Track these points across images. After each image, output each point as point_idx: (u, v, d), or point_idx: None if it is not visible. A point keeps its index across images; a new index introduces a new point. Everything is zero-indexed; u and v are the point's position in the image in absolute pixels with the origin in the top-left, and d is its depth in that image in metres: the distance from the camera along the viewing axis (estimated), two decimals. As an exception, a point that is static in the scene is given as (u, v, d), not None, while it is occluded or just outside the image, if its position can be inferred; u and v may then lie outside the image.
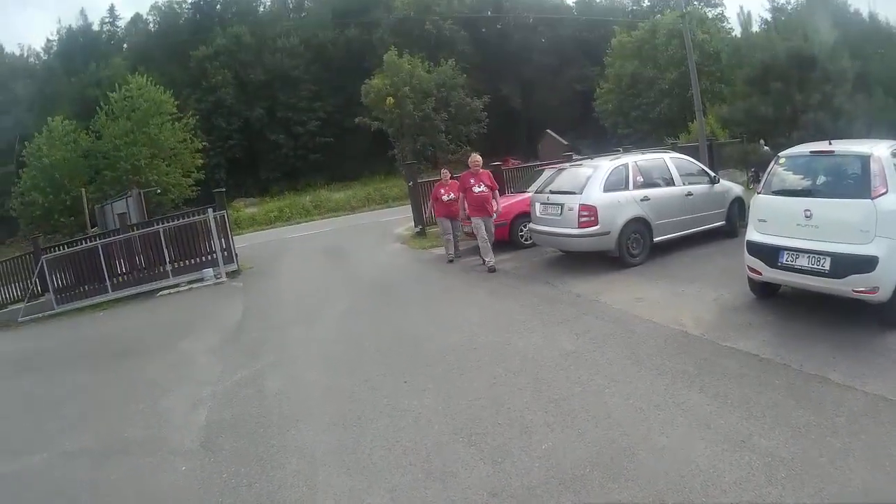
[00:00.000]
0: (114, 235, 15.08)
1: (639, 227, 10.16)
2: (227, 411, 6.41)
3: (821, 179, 6.59)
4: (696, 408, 5.18)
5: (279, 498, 4.70)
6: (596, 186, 10.13)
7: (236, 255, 15.08)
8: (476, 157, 12.01)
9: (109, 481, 5.22)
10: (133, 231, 14.95)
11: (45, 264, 13.97)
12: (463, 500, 4.38)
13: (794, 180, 6.86)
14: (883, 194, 5.79)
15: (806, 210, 6.26)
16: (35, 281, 14.36)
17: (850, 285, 5.77)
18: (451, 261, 12.69)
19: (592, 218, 9.87)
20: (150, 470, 5.34)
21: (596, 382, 5.92)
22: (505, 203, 12.77)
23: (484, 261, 11.49)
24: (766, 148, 14.57)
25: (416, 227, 17.31)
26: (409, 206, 18.39)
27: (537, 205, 11.27)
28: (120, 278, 14.22)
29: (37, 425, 6.71)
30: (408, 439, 5.33)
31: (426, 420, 5.65)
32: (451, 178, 13.29)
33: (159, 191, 31.98)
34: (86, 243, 14.88)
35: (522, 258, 12.26)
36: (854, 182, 6.09)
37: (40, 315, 13.52)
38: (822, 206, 6.21)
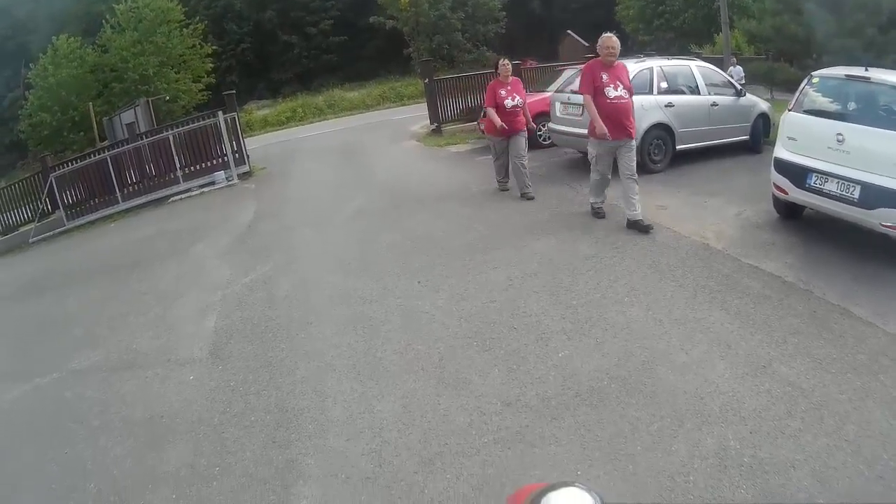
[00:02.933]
0: (123, 146, 14.76)
1: (661, 134, 9.77)
2: (236, 317, 6.26)
3: (854, 105, 6.19)
4: (717, 326, 4.92)
5: (288, 405, 4.57)
6: None
7: (248, 156, 14.73)
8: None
9: (118, 396, 5.11)
10: (142, 140, 14.59)
11: (53, 182, 13.72)
12: (476, 409, 4.21)
13: (827, 102, 6.47)
14: None
15: (838, 134, 5.85)
16: (45, 200, 14.14)
17: (879, 218, 5.43)
18: (504, 189, 9.67)
19: None
20: (159, 382, 5.23)
21: (615, 290, 5.67)
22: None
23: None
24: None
25: (431, 125, 16.78)
26: (425, 104, 17.77)
27: (557, 104, 10.83)
28: (130, 188, 13.97)
29: (47, 346, 6.61)
30: (420, 343, 5.16)
31: (440, 323, 5.45)
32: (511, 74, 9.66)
33: (168, 98, 31.36)
34: (94, 157, 14.56)
35: (541, 158, 11.72)
36: (890, 114, 5.72)
37: (51, 233, 13.35)
38: (855, 133, 5.81)
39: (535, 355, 4.77)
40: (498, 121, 8.89)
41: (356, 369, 4.91)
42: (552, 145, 12.04)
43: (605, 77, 7.18)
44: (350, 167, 13.92)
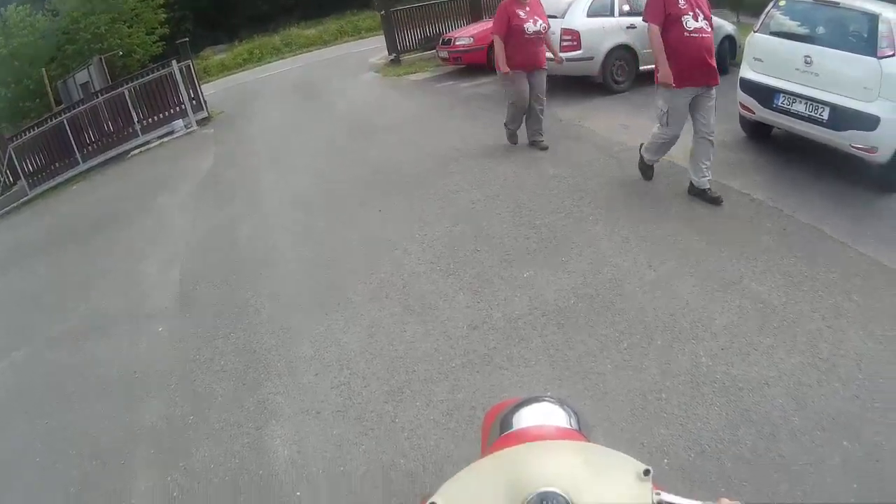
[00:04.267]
0: (78, 107, 14.16)
1: (624, 55, 9.53)
2: (200, 264, 6.12)
3: (822, 29, 5.95)
4: (685, 243, 4.82)
5: (255, 346, 4.48)
6: (579, 11, 9.46)
7: (205, 102, 14.24)
8: None
9: (92, 359, 4.94)
10: (97, 98, 14.01)
11: (12, 153, 13.12)
12: (442, 334, 4.15)
13: (794, 25, 6.24)
14: (889, 56, 5.21)
15: (806, 56, 5.71)
16: (5, 172, 13.54)
17: (849, 140, 5.32)
18: (515, 141, 7.67)
19: (575, 42, 9.28)
20: (129, 339, 5.06)
21: (580, 210, 5.54)
22: (484, 27, 11.69)
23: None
24: None
25: (389, 55, 16.31)
26: (383, 36, 17.18)
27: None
28: (89, 148, 13.42)
29: (19, 320, 6.31)
30: (384, 271, 5.06)
31: (402, 250, 5.34)
32: None
33: (122, 53, 30.25)
34: (51, 122, 13.89)
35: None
36: (859, 39, 5.51)
37: (16, 204, 12.77)
38: (823, 55, 5.65)
39: (499, 277, 4.68)
40: (503, 60, 6.88)
41: (321, 303, 4.80)
42: None
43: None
44: (309, 103, 13.50)
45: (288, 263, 5.61)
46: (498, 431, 1.31)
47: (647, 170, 5.94)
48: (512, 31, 6.85)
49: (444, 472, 3.11)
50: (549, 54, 7.26)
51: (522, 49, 6.90)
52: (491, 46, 8.79)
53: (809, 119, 5.64)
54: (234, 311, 5.03)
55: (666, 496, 0.89)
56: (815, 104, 5.56)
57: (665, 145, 5.64)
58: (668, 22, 5.14)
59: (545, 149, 7.23)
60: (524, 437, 1.21)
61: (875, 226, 4.83)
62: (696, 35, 5.11)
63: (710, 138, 5.35)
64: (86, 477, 3.66)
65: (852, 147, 5.33)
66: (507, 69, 6.89)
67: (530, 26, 6.84)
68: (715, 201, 5.36)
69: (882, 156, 5.15)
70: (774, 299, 4.04)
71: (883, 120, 5.08)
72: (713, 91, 5.29)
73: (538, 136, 7.39)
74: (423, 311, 4.45)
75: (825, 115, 5.47)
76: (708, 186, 5.45)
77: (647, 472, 0.90)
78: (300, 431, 3.58)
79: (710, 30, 5.21)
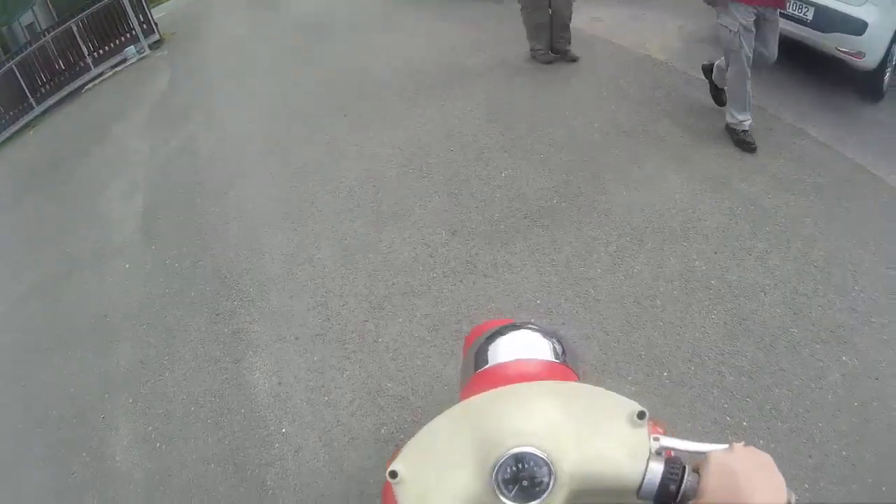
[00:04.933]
0: (25, 50, 13.21)
1: None
2: (162, 190, 5.65)
3: None
4: (668, 139, 4.40)
5: (226, 271, 4.13)
6: None
7: (156, 24, 13.22)
8: None
9: (63, 308, 4.56)
10: (44, 37, 13.11)
11: None
12: (420, 241, 3.80)
13: None
14: None
15: None
16: None
17: (834, 42, 4.76)
18: (549, 61, 5.92)
19: None
20: (97, 280, 4.66)
21: (558, 106, 5.04)
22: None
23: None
24: None
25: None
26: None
27: None
28: (42, 90, 12.56)
29: None
30: (353, 179, 4.65)
31: (370, 154, 4.91)
32: None
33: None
34: None
35: None
36: None
37: None
38: None
39: (476, 177, 4.28)
40: None
41: (290, 218, 4.43)
42: None
43: None
44: (266, 14, 12.32)
45: (253, 179, 5.16)
46: (472, 367, 1.14)
47: (719, 94, 4.63)
48: None
49: (435, 393, 2.86)
50: None
51: None
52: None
53: (792, 17, 5.05)
54: (201, 236, 4.63)
55: (667, 440, 0.75)
56: (799, 2, 5.00)
57: (743, 87, 4.16)
58: None
59: (574, 60, 5.78)
60: (500, 375, 1.05)
61: (859, 131, 4.37)
62: None
63: (772, 61, 4.24)
64: (68, 439, 3.38)
65: (838, 50, 4.81)
66: None
67: None
68: (749, 147, 4.16)
69: (869, 61, 4.66)
70: (765, 201, 3.72)
71: (871, 25, 4.58)
72: (775, 16, 4.12)
73: (566, 45, 5.85)
74: (397, 216, 4.08)
75: (810, 15, 4.94)
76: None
77: (641, 415, 0.76)
78: (280, 361, 3.29)
79: None
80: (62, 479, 3.16)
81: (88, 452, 3.24)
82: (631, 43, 6.09)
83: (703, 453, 0.73)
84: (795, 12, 5.01)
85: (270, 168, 5.24)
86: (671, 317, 3.03)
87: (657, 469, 0.72)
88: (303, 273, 3.86)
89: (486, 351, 1.12)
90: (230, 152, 5.88)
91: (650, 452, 0.74)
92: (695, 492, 0.70)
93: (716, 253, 3.37)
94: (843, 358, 2.73)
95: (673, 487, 0.71)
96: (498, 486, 0.71)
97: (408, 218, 4.05)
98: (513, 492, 0.71)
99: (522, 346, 1.11)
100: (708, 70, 4.62)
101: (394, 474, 0.74)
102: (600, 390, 0.81)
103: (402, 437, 2.69)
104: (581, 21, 6.42)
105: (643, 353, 2.88)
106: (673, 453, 0.77)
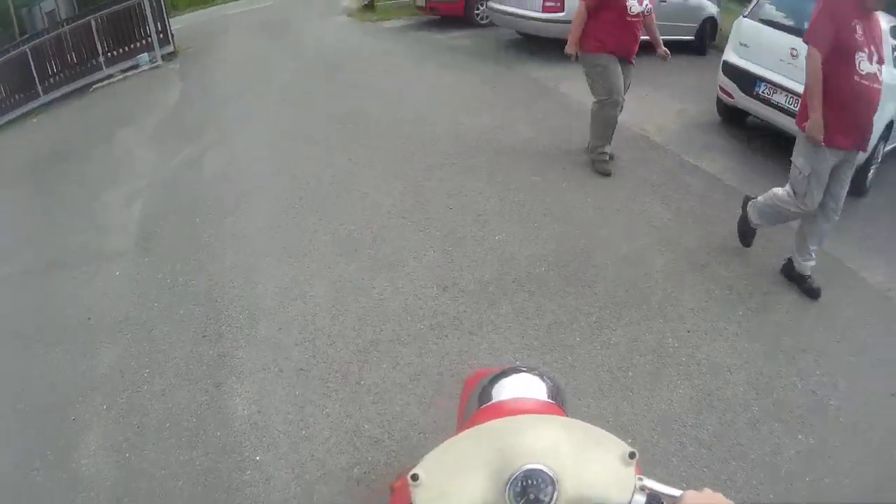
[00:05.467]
0: (42, 36, 13.06)
1: None
2: (162, 203, 5.63)
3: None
4: (658, 220, 4.65)
5: (217, 295, 4.12)
6: None
7: (173, 35, 13.33)
8: None
9: (49, 300, 4.48)
10: (63, 27, 12.94)
11: None
12: (411, 294, 3.88)
13: (783, 15, 5.96)
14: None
15: (793, 49, 5.35)
16: None
17: None
18: (607, 170, 5.38)
19: (559, 4, 8.73)
20: (86, 280, 4.61)
21: (553, 176, 5.25)
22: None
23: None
24: None
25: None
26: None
27: None
28: (51, 80, 12.40)
29: None
30: (353, 223, 4.72)
31: (372, 202, 5.00)
32: None
33: (91, -22, 28.60)
34: (12, 51, 12.76)
35: (478, 37, 10.90)
36: None
37: None
38: None
39: (471, 237, 4.42)
40: (575, 38, 5.07)
41: (287, 252, 4.46)
42: (490, 24, 11.10)
43: (859, 31, 3.48)
44: (279, 42, 12.71)
45: (254, 206, 5.20)
46: (476, 403, 1.24)
47: (747, 233, 4.27)
48: (608, 5, 4.94)
49: (410, 439, 2.90)
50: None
51: (620, 31, 4.99)
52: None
53: (789, 112, 5.36)
54: (196, 255, 4.63)
55: (648, 482, 0.85)
56: (796, 97, 5.24)
57: (790, 216, 4.01)
58: (834, 54, 3.45)
59: (608, 174, 5.30)
60: (504, 409, 1.15)
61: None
62: (868, 83, 3.50)
63: (836, 217, 3.90)
64: (34, 433, 3.31)
65: None
66: (576, 46, 5.10)
67: (635, 5, 4.96)
68: (812, 293, 3.92)
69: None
70: (741, 287, 3.94)
71: None
72: (856, 158, 3.86)
73: (606, 151, 5.41)
74: (392, 267, 4.16)
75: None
76: (810, 273, 3.98)
77: (632, 455, 0.86)
78: (262, 390, 3.29)
79: (881, 76, 3.59)
80: (21, 474, 3.07)
81: (55, 450, 3.17)
82: (630, 122, 6.34)
83: (678, 496, 0.84)
84: (792, 106, 5.28)
85: (273, 198, 5.30)
86: (640, 387, 3.17)
87: (640, 501, 0.83)
88: (294, 308, 3.89)
89: (491, 390, 1.22)
90: (234, 176, 5.92)
91: (635, 487, 0.84)
92: None
93: (689, 332, 3.55)
94: (800, 436, 2.92)
95: None
96: (510, 498, 0.80)
97: (402, 268, 4.13)
98: (521, 503, 0.81)
99: (524, 386, 1.22)
100: (746, 203, 4.28)
101: (415, 477, 0.82)
102: (598, 429, 0.91)
103: (373, 477, 2.72)
104: (585, 94, 6.63)
105: (611, 419, 2.99)
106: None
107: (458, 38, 10.89)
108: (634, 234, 4.48)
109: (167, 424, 3.20)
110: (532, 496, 0.80)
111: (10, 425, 3.40)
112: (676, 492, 0.84)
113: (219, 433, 3.09)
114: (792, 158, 3.74)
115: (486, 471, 0.83)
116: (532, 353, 3.38)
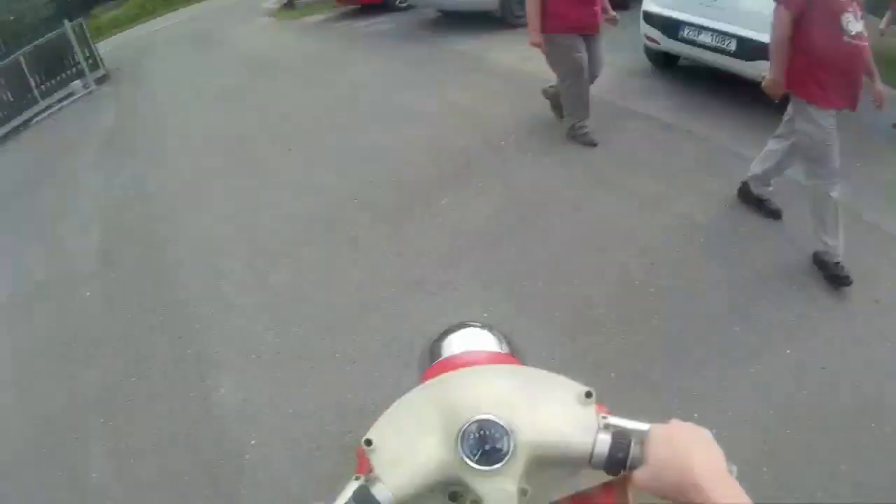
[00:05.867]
0: None
1: None
2: (117, 220, 5.58)
3: None
4: (601, 164, 4.67)
5: (186, 295, 4.17)
6: None
7: (101, 60, 13.12)
8: None
9: (26, 335, 4.43)
10: None
11: None
12: (368, 266, 3.98)
13: None
14: None
15: None
16: None
17: (760, 70, 4.48)
18: (595, 143, 5.07)
19: None
20: (57, 307, 4.56)
21: (495, 138, 5.28)
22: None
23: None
24: None
25: None
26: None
27: None
28: None
29: None
30: (303, 209, 4.77)
31: (320, 186, 5.06)
32: None
33: (12, 18, 27.58)
34: None
35: (400, 20, 10.78)
36: None
37: None
38: None
39: (420, 205, 4.48)
40: (537, 23, 4.71)
41: (245, 246, 4.52)
42: (409, 7, 11.03)
43: None
44: (205, 52, 12.51)
45: (204, 209, 5.18)
46: (428, 361, 1.16)
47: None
48: None
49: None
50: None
51: (575, 4, 4.63)
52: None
53: (716, 49, 5.23)
54: (158, 263, 4.63)
55: (613, 419, 0.80)
56: (721, 35, 5.15)
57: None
58: (816, 13, 3.26)
59: (594, 144, 5.02)
60: (454, 364, 1.07)
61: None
62: (858, 42, 3.28)
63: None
64: (45, 461, 3.30)
65: (763, 77, 4.96)
66: (541, 35, 4.77)
67: None
68: (843, 281, 3.36)
69: None
70: (698, 215, 3.95)
71: None
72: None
73: (581, 127, 5.09)
74: (348, 245, 4.20)
75: (733, 46, 5.09)
76: (841, 257, 3.39)
77: (588, 395, 0.80)
78: (244, 378, 3.33)
79: (866, 35, 3.35)
80: (39, 500, 3.11)
81: (65, 472, 3.19)
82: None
83: (647, 430, 0.78)
84: (718, 44, 5.17)
85: (223, 195, 5.33)
86: (613, 322, 3.27)
87: (605, 440, 0.77)
88: (260, 296, 3.94)
89: (440, 346, 1.15)
90: (182, 183, 5.88)
91: (598, 426, 0.78)
92: (640, 460, 0.75)
93: (652, 264, 3.62)
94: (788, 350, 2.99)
95: (621, 455, 0.76)
96: (463, 450, 0.76)
97: (357, 244, 4.21)
98: (477, 455, 0.76)
99: (473, 340, 1.15)
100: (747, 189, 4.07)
101: (369, 442, 0.78)
102: (548, 373, 0.85)
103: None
104: (512, 60, 6.75)
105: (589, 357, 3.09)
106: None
107: (380, 23, 10.72)
108: (579, 180, 4.53)
109: (162, 426, 3.22)
110: (487, 447, 0.76)
111: (23, 462, 3.38)
112: (644, 426, 0.78)
113: (212, 425, 3.12)
114: (797, 128, 3.52)
115: (436, 428, 0.79)
116: (497, 305, 3.47)
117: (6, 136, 11.39)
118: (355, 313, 3.60)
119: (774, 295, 3.29)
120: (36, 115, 11.79)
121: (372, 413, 0.72)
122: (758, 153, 3.90)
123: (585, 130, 5.00)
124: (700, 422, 0.68)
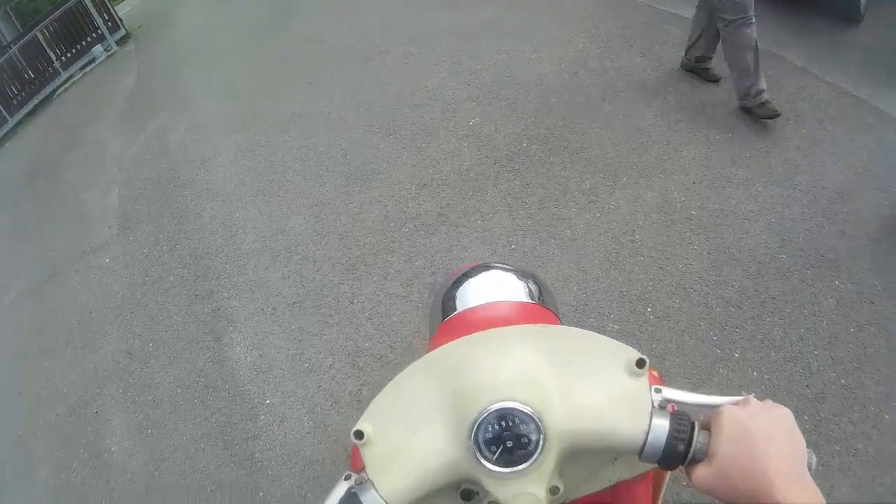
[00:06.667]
0: None
1: None
2: (137, 182, 5.37)
3: None
4: (639, 73, 4.07)
5: (201, 251, 3.94)
6: None
7: (121, 20, 12.87)
8: None
9: (50, 311, 4.33)
10: (11, 49, 12.48)
11: None
12: (388, 195, 3.60)
13: None
14: None
15: None
16: None
17: None
18: (775, 110, 3.43)
19: None
20: (79, 278, 4.44)
21: (520, 49, 4.73)
22: None
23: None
24: None
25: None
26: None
27: None
28: (14, 101, 11.93)
29: None
30: (322, 146, 4.40)
31: (338, 118, 4.67)
32: None
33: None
34: None
35: None
36: None
37: None
38: None
39: (444, 128, 4.04)
40: None
41: (261, 192, 4.21)
42: None
43: None
44: (229, 3, 11.87)
45: (223, 158, 4.91)
46: (439, 316, 0.94)
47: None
48: None
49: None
50: None
51: None
52: None
53: None
54: (176, 220, 4.41)
55: (670, 392, 0.59)
56: None
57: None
58: None
59: (777, 114, 3.45)
60: (470, 321, 0.87)
61: (840, 56, 3.88)
62: None
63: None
64: (66, 437, 3.21)
65: None
66: None
67: None
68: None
69: None
70: (743, 128, 3.42)
71: None
72: None
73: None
74: (366, 179, 3.85)
75: None
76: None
77: (641, 363, 0.59)
78: (259, 333, 3.10)
79: None
80: (63, 477, 3.00)
81: (85, 448, 3.08)
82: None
83: (713, 407, 0.58)
84: None
85: (240, 145, 4.97)
86: (650, 250, 2.83)
87: (662, 426, 0.57)
88: (276, 243, 3.65)
89: (454, 297, 0.93)
90: (199, 136, 5.59)
91: (652, 406, 0.58)
92: (705, 454, 0.55)
93: (695, 183, 3.14)
94: (836, 283, 2.53)
95: (681, 448, 0.56)
96: (479, 448, 0.57)
97: (376, 177, 3.83)
98: (496, 454, 0.57)
99: (493, 288, 0.93)
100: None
101: (359, 435, 0.60)
102: (589, 333, 0.64)
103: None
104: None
105: (624, 289, 2.68)
106: (677, 407, 0.61)
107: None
108: (616, 92, 3.99)
109: (179, 391, 3.06)
110: (510, 443, 0.56)
111: (44, 438, 3.30)
112: (709, 399, 0.58)
113: (227, 386, 2.93)
114: None
115: (444, 416, 0.59)
116: (526, 234, 3.07)
117: (32, 113, 11.46)
118: (374, 253, 3.31)
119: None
120: (60, 86, 11.80)
121: (390, 362, 0.41)
122: (805, 58, 3.81)
123: (764, 98, 3.47)
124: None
